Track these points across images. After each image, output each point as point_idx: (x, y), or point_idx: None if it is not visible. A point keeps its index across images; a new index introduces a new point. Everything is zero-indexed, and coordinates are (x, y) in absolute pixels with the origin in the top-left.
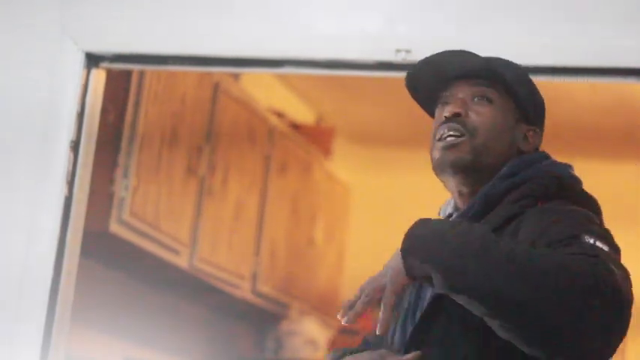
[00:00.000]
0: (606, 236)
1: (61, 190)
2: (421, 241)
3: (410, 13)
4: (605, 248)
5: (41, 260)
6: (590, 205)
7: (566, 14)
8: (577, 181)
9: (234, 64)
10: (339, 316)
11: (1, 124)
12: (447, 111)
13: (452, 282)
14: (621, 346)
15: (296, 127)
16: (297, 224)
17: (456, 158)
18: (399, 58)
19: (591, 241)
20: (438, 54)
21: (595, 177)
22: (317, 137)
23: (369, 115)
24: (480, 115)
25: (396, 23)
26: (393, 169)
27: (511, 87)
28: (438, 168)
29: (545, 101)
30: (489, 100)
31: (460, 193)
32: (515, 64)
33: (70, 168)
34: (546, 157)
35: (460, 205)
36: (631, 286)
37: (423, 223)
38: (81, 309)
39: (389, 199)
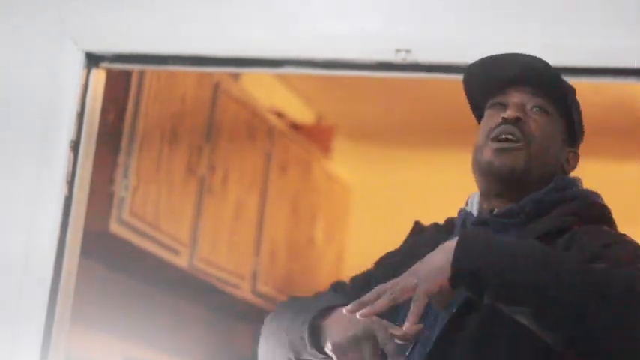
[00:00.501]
0: None
1: (61, 190)
2: (479, 245)
3: (410, 13)
4: None
5: (41, 260)
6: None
7: (566, 14)
8: (610, 212)
9: (234, 64)
10: (345, 310)
11: (1, 124)
12: (507, 114)
13: (511, 291)
14: None
15: (296, 126)
16: (297, 224)
17: (509, 164)
18: (399, 58)
19: None
20: (502, 54)
21: (595, 177)
22: (317, 137)
23: (369, 115)
24: (538, 124)
25: (396, 23)
26: (393, 169)
27: (569, 107)
28: (487, 169)
29: None
30: (547, 113)
31: (498, 195)
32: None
33: (70, 168)
34: (580, 180)
35: (492, 205)
36: None
37: (477, 231)
38: (81, 309)
39: (389, 199)
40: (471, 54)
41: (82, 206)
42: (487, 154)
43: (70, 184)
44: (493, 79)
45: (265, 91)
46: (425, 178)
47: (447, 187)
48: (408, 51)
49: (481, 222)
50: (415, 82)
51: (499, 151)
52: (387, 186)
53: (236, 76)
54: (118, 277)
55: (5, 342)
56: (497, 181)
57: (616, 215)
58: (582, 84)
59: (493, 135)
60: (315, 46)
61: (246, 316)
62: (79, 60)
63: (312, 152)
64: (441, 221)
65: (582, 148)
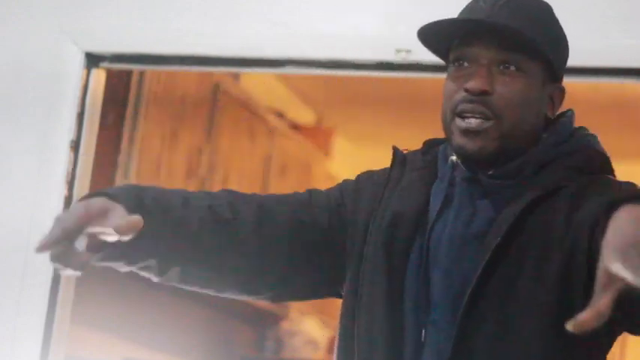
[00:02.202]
0: None
1: (61, 190)
2: None
3: (410, 13)
4: None
5: (41, 260)
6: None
7: (566, 14)
8: (610, 160)
9: (234, 64)
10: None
11: (1, 124)
12: (471, 85)
13: None
14: (621, 348)
15: (296, 127)
16: None
17: (480, 148)
18: (399, 58)
19: None
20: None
21: None
22: (317, 137)
23: (369, 115)
24: (509, 90)
25: (396, 23)
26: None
27: (546, 55)
28: (458, 152)
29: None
30: (519, 69)
31: (476, 164)
32: (543, 9)
33: (70, 168)
34: (573, 115)
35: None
36: None
37: None
38: (81, 308)
39: None
40: None
41: None
42: (456, 136)
43: (70, 184)
44: (451, 34)
45: (265, 91)
46: None
47: None
48: (408, 51)
49: (474, 180)
50: (415, 82)
51: (467, 133)
52: None
53: (236, 76)
54: (118, 277)
55: (5, 342)
56: (472, 162)
57: None
58: (582, 84)
59: (458, 110)
60: (315, 46)
61: (246, 316)
62: (79, 60)
63: (312, 152)
64: None
65: None
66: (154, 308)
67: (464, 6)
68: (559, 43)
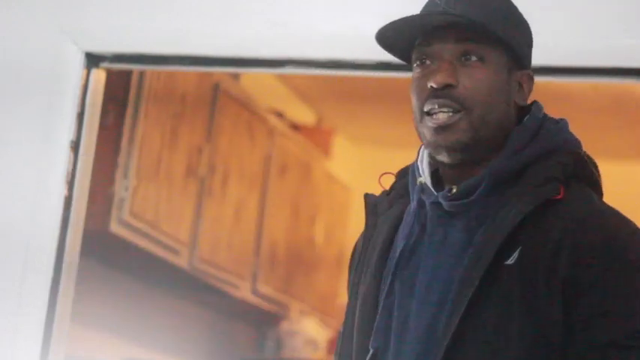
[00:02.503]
0: None
1: (61, 190)
2: None
3: (410, 14)
4: None
5: (41, 260)
6: (598, 181)
7: (566, 14)
8: (582, 149)
9: (234, 64)
10: None
11: (1, 123)
12: (434, 81)
13: None
14: None
15: (296, 127)
16: (297, 224)
17: (453, 141)
18: None
19: None
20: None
21: None
22: (317, 137)
23: (369, 116)
24: (473, 80)
25: None
26: (392, 169)
27: (505, 40)
28: (431, 149)
29: (530, 34)
30: (481, 59)
31: (451, 166)
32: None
33: (70, 168)
34: (540, 109)
35: (449, 176)
36: None
37: None
38: (81, 309)
39: None
40: None
41: (82, 206)
42: (427, 134)
43: (70, 184)
44: (410, 34)
45: (265, 91)
46: None
47: None
48: None
49: (438, 203)
50: None
51: (439, 130)
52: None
53: (236, 76)
54: (118, 277)
55: (5, 342)
56: (447, 156)
57: None
58: (582, 84)
59: (426, 109)
60: (315, 46)
61: (246, 316)
62: (79, 60)
63: (312, 153)
64: None
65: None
66: (154, 308)
67: None
68: (517, 28)
